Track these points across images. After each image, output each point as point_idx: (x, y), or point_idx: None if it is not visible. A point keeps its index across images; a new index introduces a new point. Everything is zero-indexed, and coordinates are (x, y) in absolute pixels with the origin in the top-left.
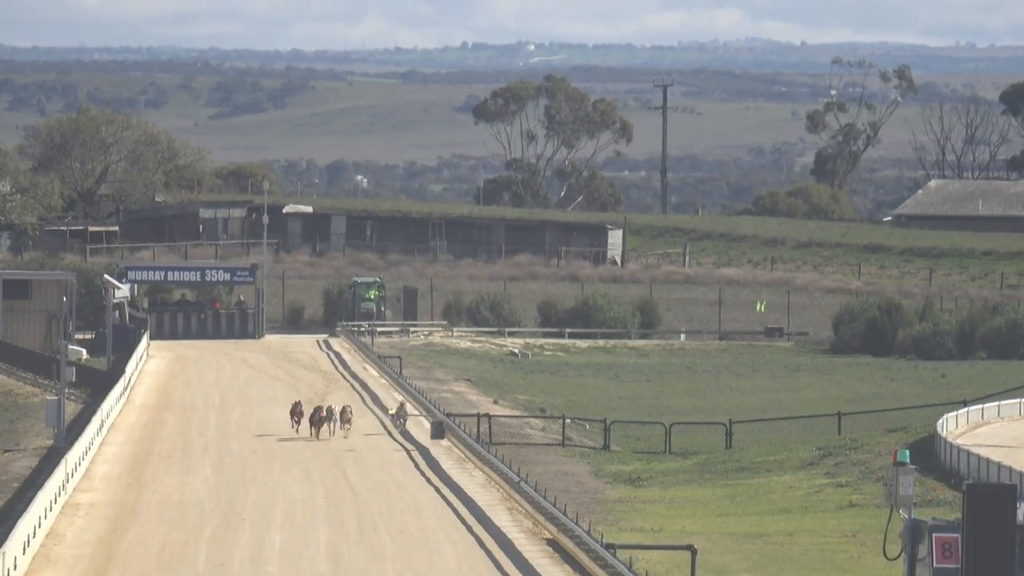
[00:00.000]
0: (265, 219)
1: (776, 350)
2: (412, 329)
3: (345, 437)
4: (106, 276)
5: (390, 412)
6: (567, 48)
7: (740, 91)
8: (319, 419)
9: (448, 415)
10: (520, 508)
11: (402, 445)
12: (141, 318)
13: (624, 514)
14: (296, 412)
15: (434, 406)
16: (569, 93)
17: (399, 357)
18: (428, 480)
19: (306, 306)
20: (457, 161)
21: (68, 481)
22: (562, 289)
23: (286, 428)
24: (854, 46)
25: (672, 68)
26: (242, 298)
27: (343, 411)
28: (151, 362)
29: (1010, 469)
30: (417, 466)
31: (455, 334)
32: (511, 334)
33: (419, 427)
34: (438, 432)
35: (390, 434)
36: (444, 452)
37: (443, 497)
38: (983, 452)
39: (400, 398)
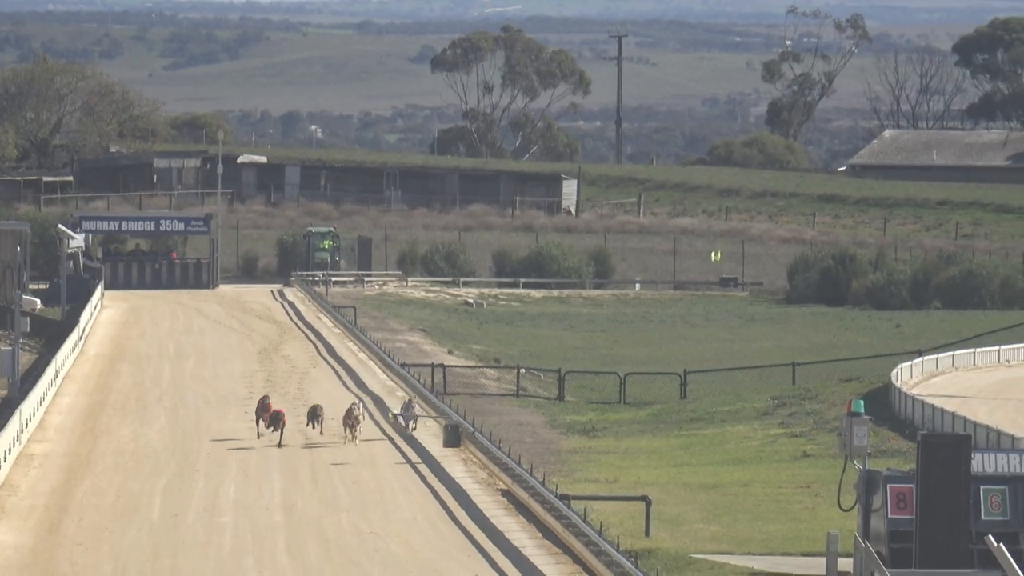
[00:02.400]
0: (219, 169)
1: (731, 300)
2: (366, 279)
3: (353, 441)
4: (60, 226)
5: (391, 414)
6: None
7: (695, 41)
8: (282, 422)
9: (402, 365)
10: (474, 458)
11: (355, 394)
12: (95, 268)
13: (578, 465)
14: (263, 411)
15: (447, 404)
16: (526, 44)
17: (353, 307)
18: (383, 430)
19: (260, 256)
20: (411, 111)
21: (22, 432)
22: (516, 239)
23: (241, 388)
24: None
25: (627, 18)
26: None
27: (348, 412)
28: (105, 312)
29: (964, 419)
30: (371, 415)
31: (409, 284)
32: (466, 284)
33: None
34: (452, 439)
35: (345, 386)
36: (398, 402)
37: (397, 447)
38: (937, 402)
39: (405, 395)
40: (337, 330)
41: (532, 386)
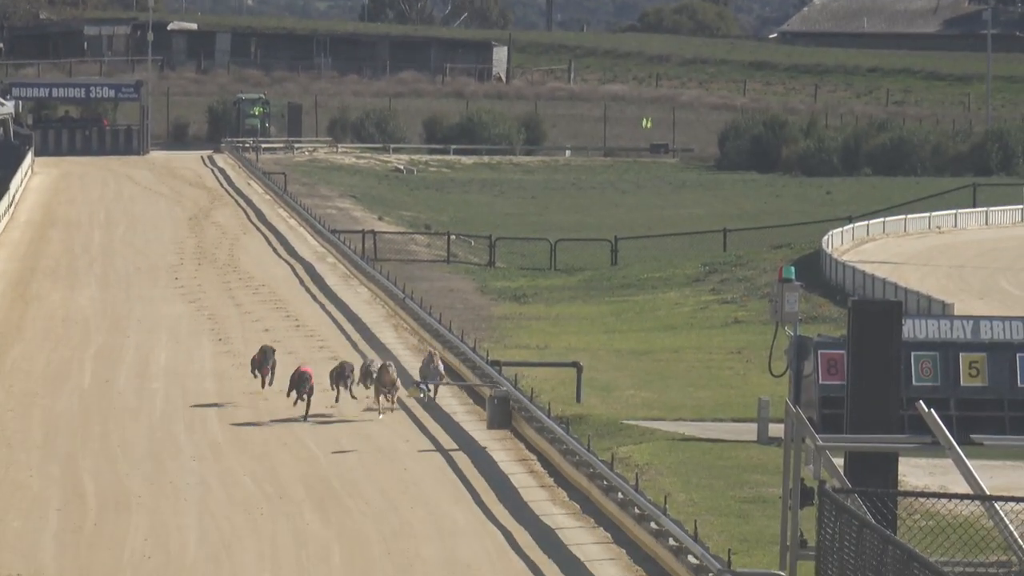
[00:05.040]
0: (150, 36)
1: (661, 166)
2: (296, 145)
3: (385, 409)
4: None
5: (414, 384)
6: None
7: None
8: (309, 387)
9: (333, 231)
10: (405, 325)
11: (286, 261)
12: (26, 135)
13: (509, 331)
14: (263, 365)
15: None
16: None
17: (284, 173)
18: (313, 296)
19: (191, 123)
20: None
21: None
22: (447, 106)
23: (172, 254)
24: None
25: None
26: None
27: (381, 370)
28: (36, 179)
29: (895, 285)
30: (302, 282)
31: (340, 150)
32: (396, 150)
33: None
34: (501, 415)
35: (275, 252)
36: (329, 268)
37: (328, 313)
38: (868, 268)
39: (431, 349)
40: (267, 196)
41: (463, 252)
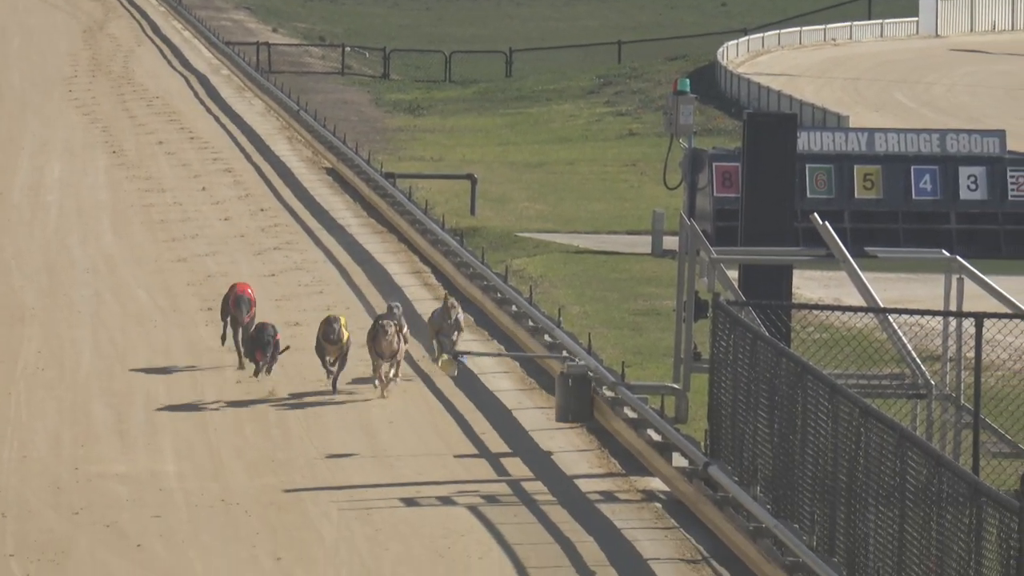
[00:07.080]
0: None
1: None
2: None
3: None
4: None
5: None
6: None
7: None
8: (272, 345)
9: (228, 44)
10: (299, 137)
11: (180, 73)
12: None
13: (404, 143)
14: (238, 313)
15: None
16: None
17: None
18: (207, 109)
19: None
20: None
21: None
22: None
23: (67, 67)
24: None
25: None
26: None
27: (383, 329)
28: None
29: (790, 98)
30: (196, 95)
31: None
32: None
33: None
34: (576, 406)
35: (170, 64)
36: (224, 80)
37: (222, 126)
38: (763, 81)
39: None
40: (162, 8)
41: (357, 64)
